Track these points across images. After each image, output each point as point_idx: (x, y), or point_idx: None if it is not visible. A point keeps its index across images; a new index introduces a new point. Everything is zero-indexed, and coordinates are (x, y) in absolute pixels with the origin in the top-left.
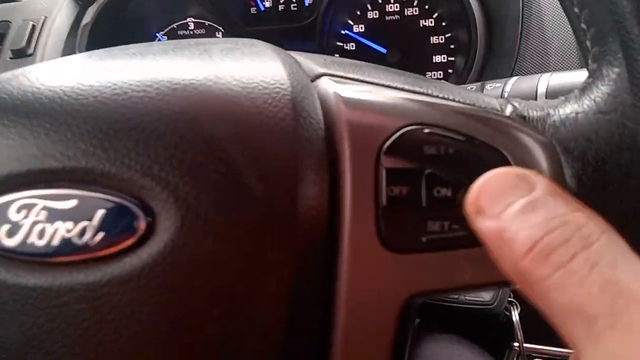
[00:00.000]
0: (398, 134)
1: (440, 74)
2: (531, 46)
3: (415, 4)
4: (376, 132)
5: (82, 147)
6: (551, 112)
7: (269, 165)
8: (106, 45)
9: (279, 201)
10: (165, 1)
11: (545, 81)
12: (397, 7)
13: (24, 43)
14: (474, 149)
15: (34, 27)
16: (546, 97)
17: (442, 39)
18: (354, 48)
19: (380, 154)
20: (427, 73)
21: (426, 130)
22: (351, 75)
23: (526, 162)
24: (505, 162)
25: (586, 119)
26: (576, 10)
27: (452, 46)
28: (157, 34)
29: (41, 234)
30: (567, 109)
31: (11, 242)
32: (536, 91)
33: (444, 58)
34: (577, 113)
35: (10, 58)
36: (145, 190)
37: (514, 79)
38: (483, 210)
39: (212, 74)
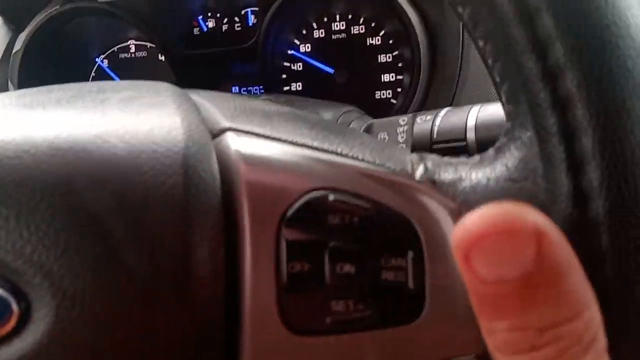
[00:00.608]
0: (301, 200)
1: (389, 93)
2: (472, 71)
3: (361, 22)
4: (277, 198)
5: None
6: (463, 175)
7: (155, 242)
8: (42, 74)
9: (166, 283)
10: (103, 24)
11: (475, 114)
12: (343, 25)
13: None
14: (381, 217)
15: None
16: (475, 132)
17: (389, 57)
18: (301, 68)
19: (281, 225)
20: (377, 92)
21: (331, 197)
22: (258, 130)
23: (434, 232)
24: (412, 232)
25: (497, 186)
26: (490, 61)
27: (399, 64)
28: (97, 58)
29: None
30: (480, 174)
31: None
32: (465, 125)
33: (392, 77)
34: (488, 179)
35: None
36: (18, 274)
37: (444, 110)
38: (472, 268)
39: (99, 134)
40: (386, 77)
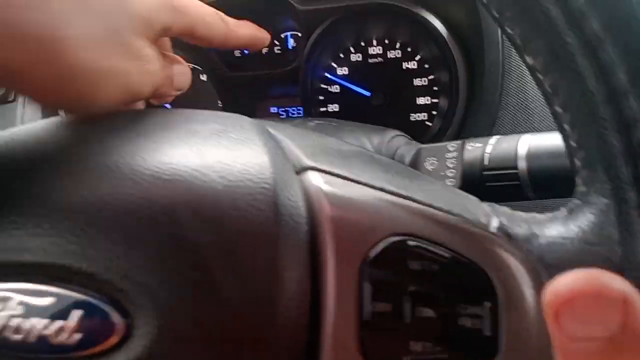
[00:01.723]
0: (383, 243)
1: (424, 116)
2: (512, 97)
3: (397, 46)
4: (361, 238)
5: (60, 243)
6: (537, 231)
7: (249, 274)
8: None
9: (258, 312)
10: None
11: (526, 143)
12: (379, 49)
13: (3, 90)
14: (458, 265)
15: None
16: (527, 160)
17: (425, 81)
18: (337, 90)
19: (364, 265)
20: (412, 115)
21: (412, 243)
22: (338, 171)
23: (510, 284)
24: (488, 282)
25: (572, 247)
26: (566, 126)
27: (435, 88)
28: None
29: (17, 329)
30: (553, 231)
31: None
32: (516, 153)
33: (427, 100)
34: (563, 238)
35: None
36: (123, 294)
37: (494, 138)
38: (561, 325)
39: (197, 167)
40: (421, 100)
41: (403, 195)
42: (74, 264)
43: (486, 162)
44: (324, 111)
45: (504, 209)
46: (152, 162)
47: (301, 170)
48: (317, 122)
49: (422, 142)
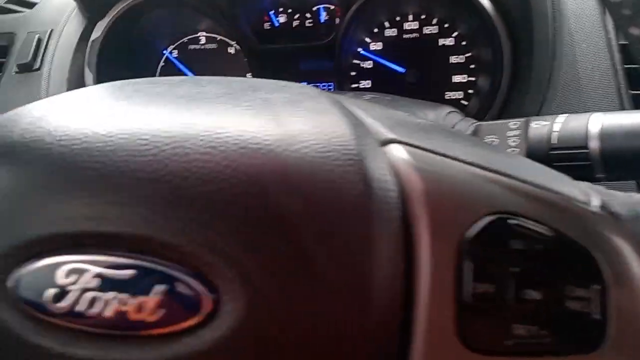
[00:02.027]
0: (482, 222)
1: (460, 94)
2: (563, 80)
3: (434, 22)
4: (459, 218)
5: (142, 213)
6: None
7: (342, 250)
8: (116, 62)
9: (351, 289)
10: (175, 15)
11: (599, 122)
12: (415, 25)
13: (30, 57)
14: (563, 247)
15: (40, 40)
16: (599, 140)
17: (462, 59)
18: (370, 66)
19: (464, 244)
20: (447, 93)
21: (512, 221)
22: (422, 144)
23: (619, 265)
24: (594, 263)
25: None
26: None
27: (472, 66)
28: (165, 50)
29: (91, 303)
30: None
31: (57, 308)
32: (587, 132)
33: (463, 78)
34: None
35: (16, 72)
36: (209, 267)
37: (562, 117)
38: None
39: (281, 137)
40: (457, 78)
41: (498, 171)
42: (156, 235)
43: (554, 140)
44: (355, 87)
45: (599, 188)
46: (235, 131)
47: (385, 142)
48: (370, 95)
49: None
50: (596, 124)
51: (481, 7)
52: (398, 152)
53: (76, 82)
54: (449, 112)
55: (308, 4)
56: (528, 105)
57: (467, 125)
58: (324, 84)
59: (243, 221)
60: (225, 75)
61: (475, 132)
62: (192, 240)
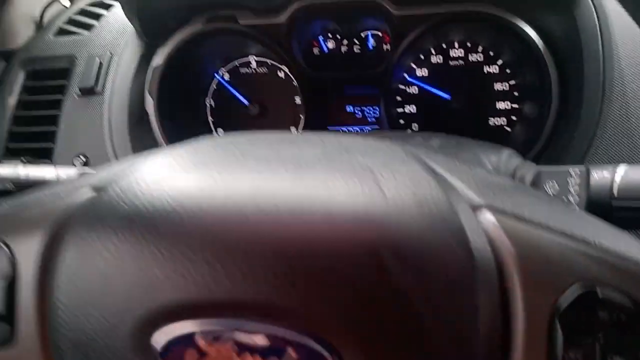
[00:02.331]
0: (573, 291)
1: (503, 121)
2: (613, 117)
3: (479, 50)
4: (550, 288)
5: (273, 283)
6: None
7: (451, 319)
8: (173, 85)
9: (458, 355)
10: (227, 40)
11: None
12: (461, 52)
13: (92, 82)
14: None
15: (100, 64)
16: None
17: (506, 86)
18: (416, 92)
19: (553, 312)
20: (490, 119)
21: (600, 292)
22: (510, 210)
23: None
24: None
25: None
26: None
27: (516, 93)
28: (216, 73)
29: None
30: None
31: None
32: None
33: (507, 105)
34: None
35: (78, 95)
36: (336, 337)
37: (622, 168)
38: None
39: (389, 209)
40: (501, 105)
41: (585, 240)
42: (288, 304)
43: (615, 192)
44: (401, 112)
45: None
46: (347, 204)
47: (476, 207)
48: (439, 140)
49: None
50: None
51: (527, 37)
52: (490, 219)
53: (137, 106)
54: (510, 155)
55: (356, 30)
56: (577, 141)
57: (528, 169)
58: (369, 107)
59: (362, 292)
60: (277, 97)
61: (536, 177)
62: (322, 314)
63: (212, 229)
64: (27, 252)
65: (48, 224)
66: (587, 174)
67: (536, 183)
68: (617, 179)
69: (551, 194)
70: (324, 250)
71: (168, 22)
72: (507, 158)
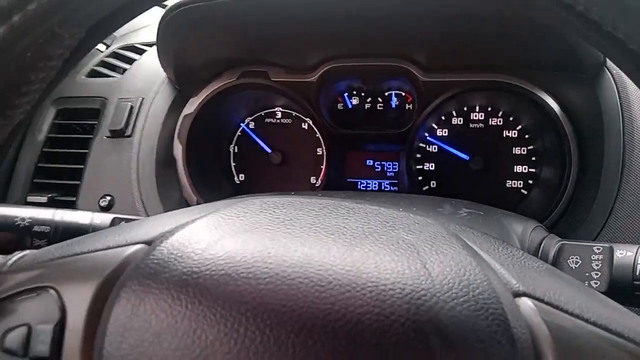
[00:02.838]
0: None
1: (520, 184)
2: (631, 191)
3: (500, 114)
4: None
5: (322, 357)
6: None
7: None
8: (200, 132)
9: None
10: (257, 93)
11: None
12: (481, 116)
13: (122, 125)
14: None
15: (131, 108)
16: None
17: (524, 150)
18: (436, 151)
19: None
20: (508, 181)
21: None
22: (548, 299)
23: None
24: None
25: None
26: None
27: (534, 158)
28: (242, 122)
29: None
30: None
31: None
32: None
33: (524, 169)
34: None
35: (108, 137)
36: None
37: None
38: None
39: (436, 292)
40: (519, 169)
41: (620, 334)
42: None
43: (638, 272)
44: (420, 169)
45: None
46: (397, 284)
47: (516, 295)
48: (466, 210)
49: (520, 212)
50: None
51: (547, 107)
52: (529, 307)
53: (164, 151)
54: (535, 227)
55: (381, 89)
56: (595, 212)
57: (552, 242)
58: (388, 162)
59: None
60: (297, 147)
61: (559, 251)
62: None
63: (265, 297)
64: (78, 300)
65: (101, 276)
66: (611, 252)
67: (560, 256)
68: None
69: (573, 268)
70: (373, 330)
71: (202, 74)
72: (532, 231)
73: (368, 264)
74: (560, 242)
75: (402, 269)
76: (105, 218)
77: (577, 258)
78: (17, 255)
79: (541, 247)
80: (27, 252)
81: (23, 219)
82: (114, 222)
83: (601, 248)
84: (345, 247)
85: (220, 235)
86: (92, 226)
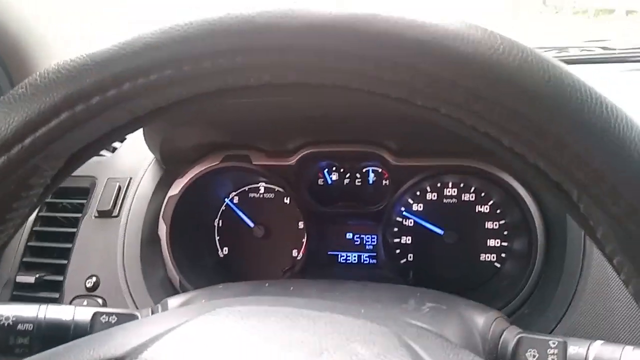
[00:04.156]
0: None
1: (493, 257)
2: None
3: (472, 190)
4: None
5: None
6: None
7: None
8: (185, 211)
9: None
10: (240, 174)
11: (629, 355)
12: (454, 192)
13: (110, 206)
14: None
15: (119, 188)
16: None
17: (496, 225)
18: (412, 225)
19: None
20: (482, 255)
21: None
22: None
23: None
24: None
25: None
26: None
27: (505, 232)
28: (226, 198)
29: None
30: None
31: None
32: None
33: (497, 242)
34: None
35: (96, 217)
36: None
37: (597, 343)
38: None
39: None
40: (492, 242)
41: None
42: None
43: None
44: (397, 242)
45: None
46: None
47: None
48: (429, 305)
49: (495, 285)
50: (628, 356)
51: (514, 191)
52: None
53: (149, 230)
54: (496, 319)
55: (359, 167)
56: (558, 297)
57: (512, 334)
58: (367, 235)
59: None
60: (279, 221)
61: (517, 343)
62: None
63: None
64: None
65: None
66: (565, 347)
67: (518, 349)
68: (590, 355)
69: None
70: None
71: (188, 155)
72: (493, 322)
73: None
74: (519, 335)
75: None
76: (86, 314)
77: (534, 352)
78: None
79: (501, 339)
80: None
81: (8, 318)
82: (95, 318)
83: (556, 342)
84: None
85: (184, 353)
86: (74, 322)
